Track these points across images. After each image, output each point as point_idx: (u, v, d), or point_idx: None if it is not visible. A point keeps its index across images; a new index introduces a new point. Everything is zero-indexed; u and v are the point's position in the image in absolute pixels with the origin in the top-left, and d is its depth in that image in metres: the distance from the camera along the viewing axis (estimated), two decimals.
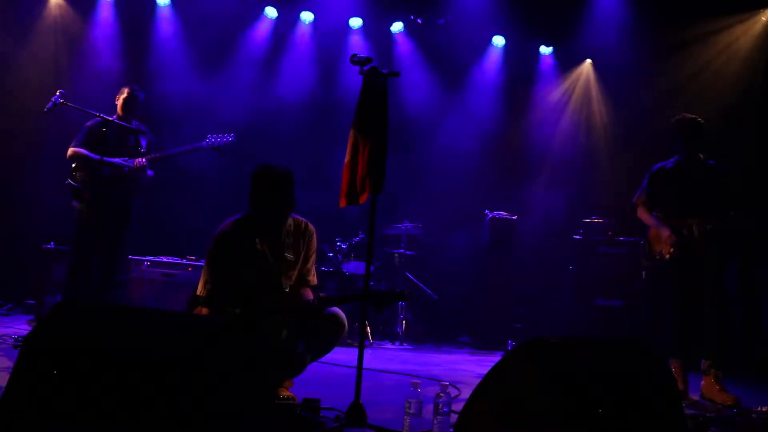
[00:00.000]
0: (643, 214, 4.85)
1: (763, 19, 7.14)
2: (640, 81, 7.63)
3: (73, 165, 5.33)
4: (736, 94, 6.99)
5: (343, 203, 3.47)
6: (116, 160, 5.24)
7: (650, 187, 4.82)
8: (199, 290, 3.48)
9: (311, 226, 3.71)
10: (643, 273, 5.03)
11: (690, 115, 4.72)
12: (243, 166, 7.25)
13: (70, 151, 5.31)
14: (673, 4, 7.10)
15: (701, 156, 4.69)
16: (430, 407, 2.85)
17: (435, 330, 7.04)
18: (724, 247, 4.61)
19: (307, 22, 8.00)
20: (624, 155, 7.63)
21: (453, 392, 3.89)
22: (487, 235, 7.08)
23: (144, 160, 5.32)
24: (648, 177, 4.86)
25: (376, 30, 8.08)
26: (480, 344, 6.76)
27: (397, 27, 8.11)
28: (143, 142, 5.47)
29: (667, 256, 4.59)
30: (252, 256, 3.50)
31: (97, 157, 5.14)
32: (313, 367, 4.02)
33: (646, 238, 4.85)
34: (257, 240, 3.53)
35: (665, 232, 4.61)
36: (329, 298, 3.59)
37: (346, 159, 3.44)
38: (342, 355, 5.25)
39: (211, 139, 5.38)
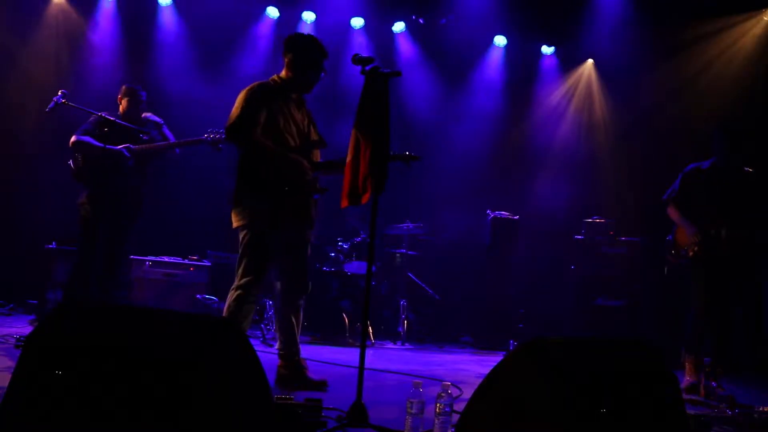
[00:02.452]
0: (673, 213, 4.83)
1: (765, 18, 7.14)
2: (642, 81, 7.63)
3: (76, 152, 5.33)
4: (738, 94, 6.99)
5: (344, 203, 3.47)
6: (117, 147, 5.21)
7: (683, 187, 4.79)
8: (230, 120, 3.66)
9: None
10: (666, 269, 5.05)
11: (735, 123, 4.77)
12: None
13: (73, 138, 5.31)
14: (675, 5, 7.10)
15: (740, 163, 4.67)
16: (432, 407, 2.85)
17: (437, 330, 7.04)
18: (753, 252, 4.63)
19: (308, 22, 8.01)
20: (626, 155, 7.63)
21: (455, 392, 3.89)
22: (489, 235, 7.08)
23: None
24: (681, 176, 4.83)
25: (377, 30, 8.08)
26: (482, 344, 6.75)
27: (398, 27, 8.11)
28: (152, 134, 5.47)
29: (691, 254, 4.61)
30: (291, 124, 3.84)
31: (101, 144, 5.14)
32: (314, 367, 4.03)
33: (672, 235, 4.86)
34: (293, 110, 3.88)
35: (691, 231, 4.63)
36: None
37: (348, 159, 3.44)
38: (344, 355, 5.26)
39: (210, 134, 5.36)
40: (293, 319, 3.92)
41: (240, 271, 3.73)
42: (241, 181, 3.74)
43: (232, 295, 3.71)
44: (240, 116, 3.65)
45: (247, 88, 3.77)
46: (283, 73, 3.94)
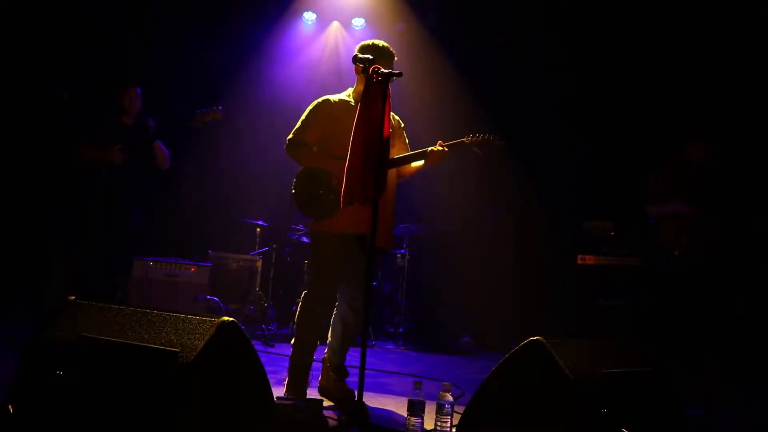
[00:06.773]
0: (656, 208, 4.54)
1: None
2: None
3: (76, 156, 5.33)
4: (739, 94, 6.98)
5: (345, 203, 3.47)
6: (113, 147, 5.18)
7: (667, 177, 4.56)
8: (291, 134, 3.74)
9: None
10: (659, 274, 4.88)
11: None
12: (246, 166, 7.30)
13: (74, 144, 5.30)
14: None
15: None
16: (433, 407, 2.85)
17: (437, 330, 7.03)
18: (751, 248, 4.50)
19: (309, 22, 8.01)
20: (627, 156, 7.62)
21: (455, 392, 3.89)
22: (489, 235, 7.08)
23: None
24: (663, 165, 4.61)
25: (379, 30, 8.08)
26: (482, 344, 6.76)
27: (399, 27, 8.10)
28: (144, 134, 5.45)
29: (681, 251, 4.42)
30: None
31: (99, 146, 5.13)
32: (315, 367, 4.03)
33: (657, 239, 4.61)
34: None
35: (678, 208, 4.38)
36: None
37: (348, 159, 3.44)
38: None
39: (198, 114, 5.32)
40: (344, 325, 3.87)
41: (306, 279, 3.75)
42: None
43: (301, 305, 3.72)
44: (291, 133, 3.75)
45: (311, 104, 3.82)
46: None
